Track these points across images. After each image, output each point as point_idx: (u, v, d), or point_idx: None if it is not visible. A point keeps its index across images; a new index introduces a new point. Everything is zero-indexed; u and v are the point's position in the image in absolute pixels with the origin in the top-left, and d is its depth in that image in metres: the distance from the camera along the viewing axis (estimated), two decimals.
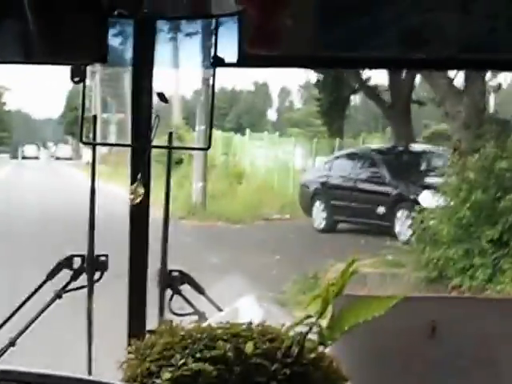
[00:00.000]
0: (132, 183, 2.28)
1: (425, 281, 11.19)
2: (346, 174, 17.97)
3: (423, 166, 17.90)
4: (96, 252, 2.42)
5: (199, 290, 2.44)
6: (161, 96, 2.31)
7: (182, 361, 1.66)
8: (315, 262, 11.33)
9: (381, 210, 16.36)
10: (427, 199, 14.37)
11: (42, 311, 2.42)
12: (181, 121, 26.83)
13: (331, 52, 2.04)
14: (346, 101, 24.83)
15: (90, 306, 2.43)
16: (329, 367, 1.67)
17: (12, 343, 2.38)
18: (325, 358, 1.68)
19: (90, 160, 2.62)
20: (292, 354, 1.66)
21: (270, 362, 1.64)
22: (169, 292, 2.39)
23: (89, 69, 2.32)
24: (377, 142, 24.26)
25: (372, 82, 20.89)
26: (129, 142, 2.34)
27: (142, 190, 2.25)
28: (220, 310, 2.19)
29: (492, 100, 21.54)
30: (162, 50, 2.36)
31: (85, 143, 2.49)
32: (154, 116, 2.34)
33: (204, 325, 1.81)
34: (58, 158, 44.51)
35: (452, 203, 11.89)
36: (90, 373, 2.38)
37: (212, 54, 2.16)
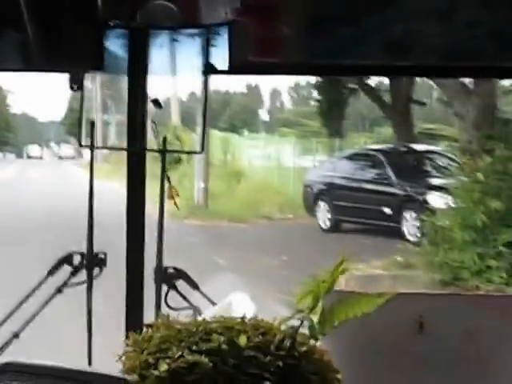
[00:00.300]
0: (130, 186, 2.24)
1: (440, 283, 10.17)
2: (351, 175, 16.77)
3: (427, 166, 16.72)
4: (98, 247, 2.37)
5: (194, 285, 2.38)
6: (155, 102, 2.26)
7: (179, 353, 1.60)
8: (323, 263, 10.37)
9: (387, 210, 15.18)
10: (436, 200, 13.54)
11: (44, 306, 2.35)
12: (179, 123, 26.50)
13: (319, 60, 1.99)
14: (344, 102, 23.50)
15: (90, 300, 2.37)
16: (320, 360, 1.62)
17: (15, 336, 2.31)
18: (316, 351, 1.63)
19: (92, 159, 2.57)
20: (284, 346, 1.60)
21: (263, 355, 1.59)
22: (165, 288, 2.34)
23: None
24: (368, 143, 23.84)
25: (372, 83, 20.11)
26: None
27: (175, 191, 2.22)
28: (213, 304, 2.14)
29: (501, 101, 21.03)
30: (161, 57, 2.32)
31: (83, 146, 2.43)
32: (150, 121, 2.30)
33: (199, 319, 1.75)
34: (61, 158, 44.21)
35: (464, 205, 11.05)
36: (89, 364, 2.32)
37: (204, 62, 2.12)
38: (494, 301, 1.80)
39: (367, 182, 16.25)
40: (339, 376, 1.61)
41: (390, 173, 15.87)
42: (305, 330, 1.62)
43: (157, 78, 2.36)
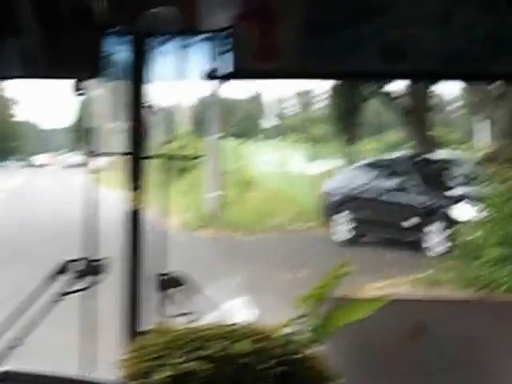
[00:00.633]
0: (131, 190, 2.27)
1: None
2: (370, 184, 16.07)
3: (450, 175, 15.87)
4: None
5: (194, 291, 2.40)
6: (154, 108, 2.29)
7: (178, 360, 1.62)
8: (344, 279, 9.84)
9: (409, 222, 14.48)
10: (462, 211, 13.09)
11: (44, 314, 2.37)
12: (187, 130, 26.41)
13: (317, 65, 2.01)
14: (360, 108, 23.00)
15: (90, 308, 2.39)
16: (318, 367, 1.63)
17: (15, 345, 2.33)
18: (314, 357, 1.64)
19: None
20: (281, 353, 1.62)
21: (261, 362, 1.60)
22: (165, 293, 2.36)
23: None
24: (375, 149, 23.54)
25: (388, 89, 19.45)
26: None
27: (142, 198, 2.24)
28: (214, 310, 2.16)
29: None
30: (165, 63, 2.35)
31: (85, 154, 2.46)
32: (149, 127, 2.32)
33: (199, 325, 1.77)
34: (67, 166, 44.47)
35: (498, 215, 10.40)
36: (89, 372, 2.33)
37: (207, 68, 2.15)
38: (489, 305, 1.82)
39: (388, 192, 15.47)
40: (337, 382, 1.63)
41: (413, 182, 15.19)
42: (302, 337, 1.65)
43: (162, 84, 2.39)
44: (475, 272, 9.83)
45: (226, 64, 2.07)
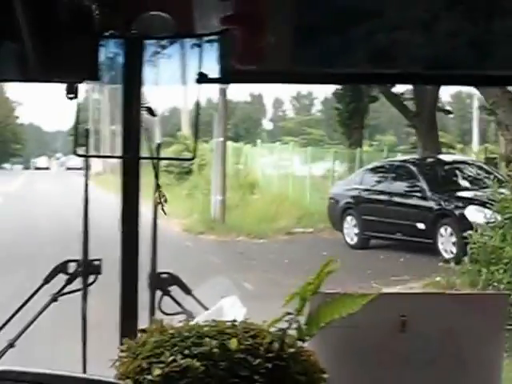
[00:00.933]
0: (125, 193, 2.32)
1: None
2: (380, 188, 15.91)
3: (461, 178, 15.78)
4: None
5: (187, 290, 2.46)
6: (149, 110, 2.33)
7: (172, 357, 1.67)
8: (357, 284, 9.46)
9: (420, 225, 14.29)
10: (474, 214, 12.92)
11: (40, 313, 2.43)
12: (189, 132, 26.21)
13: (307, 68, 2.07)
14: (365, 110, 22.99)
15: (85, 307, 2.45)
16: (307, 361, 1.69)
17: (11, 344, 2.38)
18: (304, 352, 1.70)
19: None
20: (273, 349, 1.67)
21: (253, 357, 1.66)
22: (159, 293, 2.42)
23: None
24: (372, 150, 23.41)
25: (396, 90, 19.42)
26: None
27: (163, 199, 2.29)
28: (206, 309, 2.21)
29: None
30: (162, 67, 2.39)
31: (79, 155, 2.51)
32: (145, 130, 2.37)
33: (191, 323, 1.82)
34: (68, 169, 44.44)
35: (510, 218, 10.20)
36: (84, 371, 2.39)
37: (198, 71, 2.19)
38: (473, 299, 1.88)
39: (398, 195, 15.35)
40: (325, 376, 1.69)
41: (424, 185, 14.99)
42: (293, 332, 1.70)
43: (157, 87, 2.44)
44: (488, 276, 9.61)
45: (216, 68, 2.12)
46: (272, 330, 1.72)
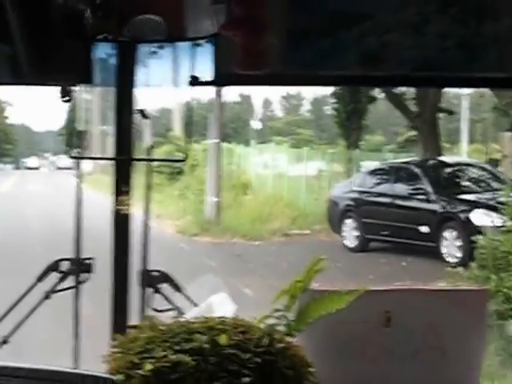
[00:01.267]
0: (116, 193, 2.37)
1: (495, 315, 8.40)
2: (381, 190, 15.57)
3: (463, 180, 15.41)
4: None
5: (177, 288, 2.52)
6: (142, 113, 2.38)
7: (163, 353, 1.70)
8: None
9: (424, 228, 13.89)
10: (481, 218, 12.59)
11: (33, 310, 2.47)
12: (180, 133, 26.01)
13: (299, 71, 2.13)
14: (363, 111, 22.69)
15: (77, 304, 2.50)
16: (295, 355, 1.73)
17: (4, 341, 2.42)
18: (292, 347, 1.74)
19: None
20: (263, 344, 1.71)
21: (243, 352, 1.70)
22: (149, 290, 2.47)
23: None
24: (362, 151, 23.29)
25: (398, 90, 19.12)
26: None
27: (129, 200, 2.33)
28: (196, 305, 2.26)
29: None
30: (155, 69, 2.43)
31: (72, 157, 2.56)
32: (137, 132, 2.42)
33: (182, 319, 1.86)
34: (58, 168, 44.23)
35: None
36: (76, 366, 2.43)
37: (190, 74, 2.23)
38: (455, 295, 1.95)
39: (400, 197, 14.98)
40: (312, 369, 1.74)
41: (428, 187, 14.61)
42: (281, 328, 1.75)
43: (150, 90, 2.48)
44: (497, 283, 9.09)
45: (210, 70, 2.17)
46: (261, 325, 1.77)
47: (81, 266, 2.50)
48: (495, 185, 14.54)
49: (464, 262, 11.29)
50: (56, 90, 2.37)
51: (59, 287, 2.50)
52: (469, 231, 12.29)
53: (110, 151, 2.47)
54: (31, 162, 49.66)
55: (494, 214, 11.78)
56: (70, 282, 2.50)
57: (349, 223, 15.64)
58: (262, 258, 13.76)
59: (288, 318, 1.75)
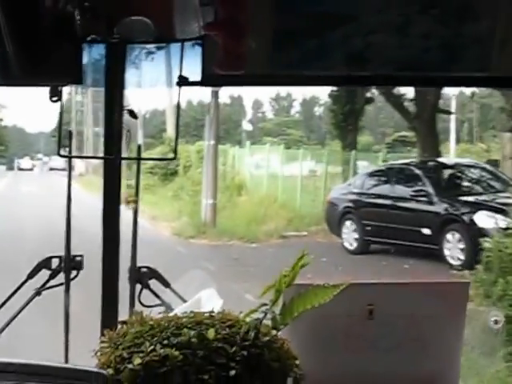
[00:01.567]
0: (106, 192, 2.41)
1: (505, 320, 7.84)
2: (381, 192, 15.32)
3: (464, 181, 15.15)
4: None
5: (165, 284, 2.57)
6: (131, 113, 2.42)
7: (151, 347, 1.74)
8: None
9: (426, 231, 13.64)
10: (485, 220, 12.43)
11: (24, 307, 2.51)
12: (171, 135, 25.81)
13: (285, 71, 2.17)
14: (360, 112, 22.29)
15: (67, 301, 2.54)
16: (281, 348, 1.78)
17: None
18: (277, 340, 1.79)
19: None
20: (249, 337, 1.76)
21: (230, 346, 1.74)
22: (138, 286, 2.51)
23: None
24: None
25: (397, 91, 18.91)
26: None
27: (135, 198, 2.38)
28: (184, 301, 2.30)
29: None
30: (151, 70, 2.46)
31: (62, 156, 2.60)
32: (126, 132, 2.45)
33: (170, 315, 1.90)
34: (51, 169, 44.07)
35: None
36: (66, 361, 2.46)
37: (177, 74, 2.27)
38: (436, 287, 2.00)
39: (401, 199, 14.72)
40: (297, 362, 1.79)
41: (430, 189, 14.35)
42: (268, 322, 1.80)
43: (139, 90, 2.52)
44: (504, 286, 8.90)
45: (197, 71, 2.21)
46: (248, 320, 1.81)
47: (71, 263, 2.54)
48: (497, 186, 14.43)
49: (467, 265, 11.28)
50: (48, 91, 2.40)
51: (50, 284, 2.54)
52: (472, 233, 12.20)
53: (100, 151, 2.51)
54: (24, 163, 49.58)
55: (497, 216, 11.69)
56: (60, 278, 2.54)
57: (348, 225, 15.45)
58: (261, 261, 13.51)
59: (274, 312, 1.79)
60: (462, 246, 12.91)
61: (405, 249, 13.84)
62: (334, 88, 20.73)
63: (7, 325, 2.46)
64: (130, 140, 2.41)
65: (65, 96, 2.45)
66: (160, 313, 1.93)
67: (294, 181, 20.48)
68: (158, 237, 15.44)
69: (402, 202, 14.71)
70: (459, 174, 15.38)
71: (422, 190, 14.49)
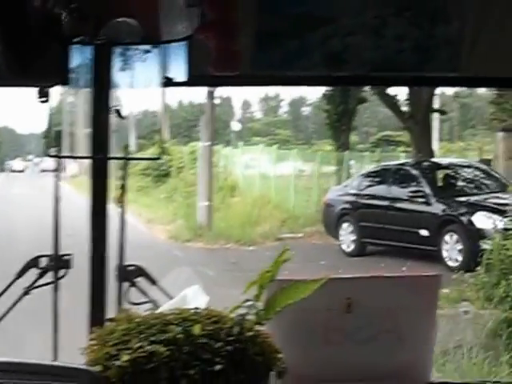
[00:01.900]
0: (93, 191, 2.45)
1: (505, 323, 8.06)
2: (379, 193, 15.08)
3: (460, 181, 14.92)
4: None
5: (152, 281, 2.60)
6: (118, 113, 2.44)
7: (138, 344, 1.77)
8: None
9: (423, 232, 13.49)
10: (483, 221, 12.28)
11: (13, 306, 2.54)
12: (167, 135, 25.64)
13: (267, 71, 2.22)
14: (353, 113, 22.33)
15: (56, 299, 2.57)
16: (265, 342, 1.81)
17: None
18: (261, 335, 1.82)
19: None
20: (233, 333, 1.79)
21: (215, 341, 1.77)
22: (126, 284, 2.55)
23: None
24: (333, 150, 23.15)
25: (390, 91, 18.89)
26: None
27: (123, 197, 2.41)
28: (170, 298, 2.33)
29: None
30: (130, 71, 2.48)
31: (50, 156, 2.63)
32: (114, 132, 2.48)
33: (157, 312, 1.93)
34: (43, 171, 43.96)
35: None
36: (55, 359, 2.49)
37: (164, 75, 2.30)
38: (411, 281, 2.04)
39: (399, 200, 14.51)
40: (280, 355, 1.83)
41: (427, 190, 14.16)
42: (251, 317, 1.84)
43: (126, 91, 2.54)
44: (506, 288, 8.77)
45: (183, 72, 2.24)
46: (232, 315, 1.85)
47: (59, 262, 2.57)
48: (493, 185, 14.27)
49: (466, 266, 11.08)
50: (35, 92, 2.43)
51: (38, 283, 2.57)
52: (470, 235, 12.10)
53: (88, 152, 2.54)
54: (16, 164, 49.45)
55: (495, 217, 11.57)
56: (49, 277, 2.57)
57: (345, 227, 15.21)
58: (259, 265, 13.01)
59: (257, 308, 1.83)
60: (460, 247, 12.79)
61: (402, 250, 13.69)
62: (329, 88, 20.62)
63: None
64: (125, 141, 2.43)
65: (57, 97, 2.47)
66: (147, 310, 1.96)
67: (286, 181, 20.29)
68: (155, 240, 15.31)
69: (399, 202, 14.53)
70: (454, 174, 15.19)
71: (419, 191, 14.33)
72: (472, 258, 10.83)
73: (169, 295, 2.32)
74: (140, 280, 2.55)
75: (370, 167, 17.72)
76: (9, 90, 2.46)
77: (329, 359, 1.99)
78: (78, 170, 25.66)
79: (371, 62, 2.14)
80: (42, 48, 2.21)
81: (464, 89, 29.57)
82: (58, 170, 2.72)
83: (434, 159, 16.72)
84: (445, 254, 13.03)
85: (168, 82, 2.27)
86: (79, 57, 2.39)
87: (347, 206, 15.44)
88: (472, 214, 12.97)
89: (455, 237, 12.99)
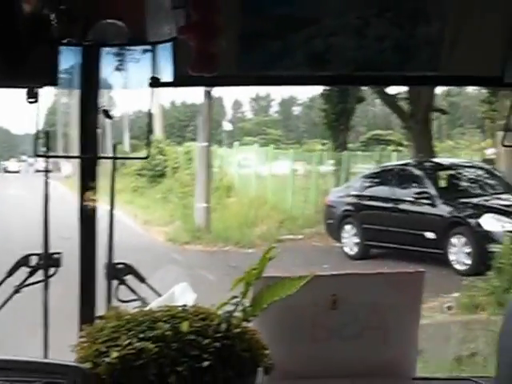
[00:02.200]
0: (82, 190, 2.46)
1: None
2: (382, 194, 14.40)
3: (464, 182, 14.36)
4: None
5: (141, 279, 2.61)
6: (105, 113, 2.46)
7: (128, 341, 1.77)
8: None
9: (430, 234, 12.88)
10: (491, 223, 11.93)
11: (3, 304, 2.55)
12: (161, 135, 25.47)
13: (251, 72, 2.24)
14: (351, 112, 21.71)
15: (46, 297, 2.58)
16: (252, 339, 1.81)
17: None
18: (248, 331, 1.83)
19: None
20: (221, 329, 1.79)
21: (203, 338, 1.77)
22: (115, 282, 2.56)
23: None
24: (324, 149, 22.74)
25: (390, 90, 18.35)
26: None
27: (93, 197, 2.41)
28: (159, 295, 2.34)
29: None
30: (118, 72, 2.49)
31: (39, 156, 2.63)
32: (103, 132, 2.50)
33: (146, 309, 1.93)
34: (37, 171, 43.66)
35: None
36: (46, 357, 2.50)
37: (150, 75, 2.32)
38: (394, 277, 2.06)
39: (403, 201, 13.95)
40: (267, 352, 1.84)
41: (433, 191, 13.63)
42: (238, 314, 1.85)
43: (114, 92, 2.55)
44: None
45: (169, 72, 2.26)
46: (220, 312, 1.86)
47: (49, 261, 2.58)
48: (497, 186, 13.90)
49: (474, 270, 10.85)
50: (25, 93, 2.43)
51: (29, 281, 2.58)
52: (478, 237, 11.75)
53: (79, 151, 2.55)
54: (11, 165, 49.31)
55: (504, 219, 11.37)
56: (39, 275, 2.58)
57: (348, 230, 14.65)
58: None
59: (244, 305, 1.84)
60: (468, 250, 12.32)
61: (406, 253, 13.12)
62: (326, 87, 20.40)
63: None
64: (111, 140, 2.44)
65: (51, 98, 2.47)
66: (136, 307, 1.97)
67: (282, 181, 19.83)
68: (153, 243, 15.00)
69: (403, 204, 13.99)
70: (457, 175, 14.72)
71: (424, 192, 13.79)
72: (481, 262, 10.56)
73: (157, 292, 2.34)
74: (129, 278, 2.56)
75: (366, 167, 17.39)
76: (2, 90, 2.46)
77: (315, 355, 2.00)
78: (73, 171, 25.53)
79: (354, 62, 2.16)
80: (31, 49, 2.21)
81: (453, 87, 29.60)
82: (48, 169, 2.72)
83: (436, 159, 16.26)
84: (452, 257, 12.50)
85: (155, 83, 2.28)
86: (70, 58, 2.40)
87: (349, 207, 14.81)
88: (479, 215, 12.47)
89: (463, 239, 12.45)
